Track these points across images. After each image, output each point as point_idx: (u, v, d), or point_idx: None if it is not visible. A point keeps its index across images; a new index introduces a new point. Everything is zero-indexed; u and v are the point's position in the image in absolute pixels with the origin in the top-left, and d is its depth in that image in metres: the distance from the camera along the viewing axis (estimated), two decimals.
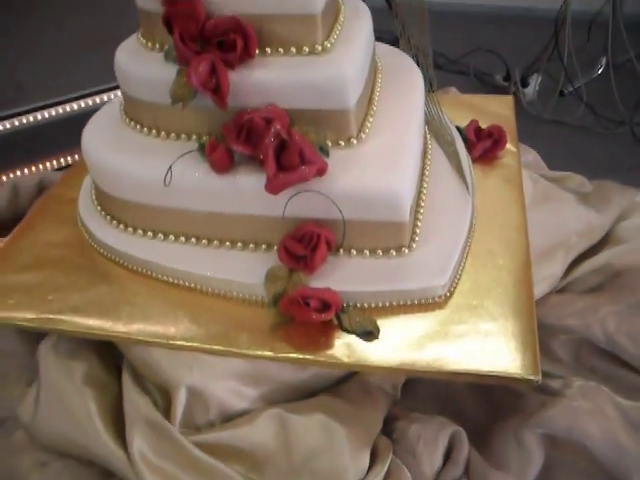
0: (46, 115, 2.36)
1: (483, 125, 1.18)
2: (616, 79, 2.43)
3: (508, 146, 1.16)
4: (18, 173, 2.33)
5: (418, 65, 1.12)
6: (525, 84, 2.58)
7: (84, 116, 2.37)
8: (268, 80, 0.89)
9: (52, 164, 2.36)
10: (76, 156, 2.37)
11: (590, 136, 2.44)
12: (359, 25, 0.99)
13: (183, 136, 0.96)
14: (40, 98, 2.37)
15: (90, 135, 1.02)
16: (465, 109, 1.29)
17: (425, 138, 1.08)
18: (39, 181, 1.33)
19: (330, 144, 0.92)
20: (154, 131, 0.98)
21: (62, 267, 1.00)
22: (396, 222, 0.90)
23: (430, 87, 1.13)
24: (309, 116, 0.90)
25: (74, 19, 2.85)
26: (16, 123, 2.35)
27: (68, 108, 2.38)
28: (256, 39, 0.89)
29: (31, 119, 2.36)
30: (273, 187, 0.86)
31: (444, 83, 2.52)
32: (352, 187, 0.88)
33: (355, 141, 0.92)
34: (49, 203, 1.14)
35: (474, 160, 1.13)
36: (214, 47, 0.89)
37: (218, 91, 0.87)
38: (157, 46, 0.96)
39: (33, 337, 1.02)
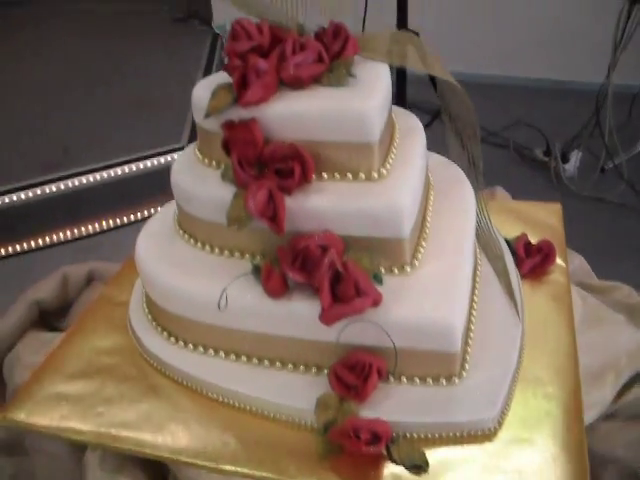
0: (91, 179, 2.40)
1: (530, 235, 1.18)
2: None
3: (557, 260, 1.16)
4: (61, 235, 2.37)
5: (467, 161, 1.12)
6: (565, 160, 2.57)
7: (128, 181, 2.43)
8: (324, 207, 0.90)
9: (94, 227, 2.40)
10: (117, 220, 2.41)
11: (631, 215, 2.42)
12: (414, 145, 1.00)
13: (237, 254, 0.97)
14: (85, 161, 2.43)
15: (143, 245, 1.03)
16: (512, 217, 1.29)
17: (475, 253, 1.08)
18: (89, 271, 1.35)
19: (383, 270, 0.92)
20: (208, 247, 0.99)
21: (112, 376, 1.01)
22: (447, 352, 0.90)
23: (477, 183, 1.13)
24: (363, 243, 0.91)
25: (122, 84, 2.94)
26: (62, 187, 2.39)
27: (112, 173, 2.42)
28: (313, 166, 0.90)
29: (76, 183, 2.40)
30: (328, 318, 0.86)
31: (484, 157, 2.54)
32: (405, 317, 0.88)
33: (409, 268, 0.93)
34: (100, 305, 1.15)
35: (522, 276, 1.13)
36: (272, 172, 0.90)
37: (275, 219, 0.89)
38: (214, 163, 0.98)
39: None
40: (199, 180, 0.97)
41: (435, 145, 1.15)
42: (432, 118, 2.44)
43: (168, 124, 2.60)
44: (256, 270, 0.93)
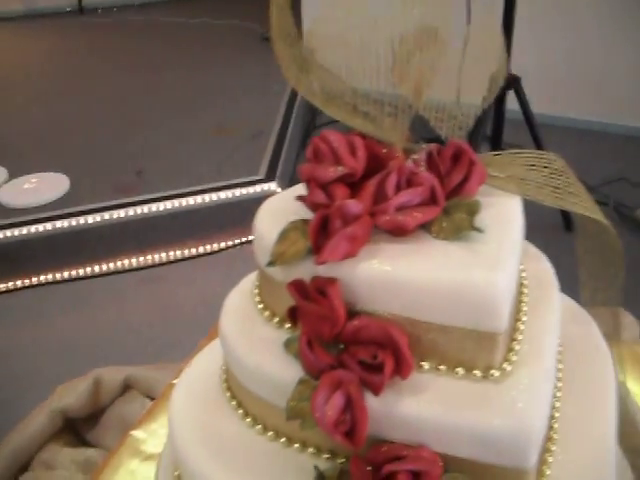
0: (161, 207, 2.21)
1: None
2: None
3: None
4: (126, 262, 2.19)
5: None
6: None
7: (198, 211, 2.23)
8: (421, 417, 0.65)
9: (160, 257, 2.21)
10: (185, 251, 2.21)
11: None
12: (548, 316, 0.74)
13: (296, 445, 0.72)
14: (159, 187, 2.25)
15: (179, 413, 0.80)
16: None
17: None
18: (125, 378, 1.13)
19: None
20: (259, 426, 0.75)
21: None
22: None
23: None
24: (471, 467, 0.65)
25: (204, 103, 2.75)
26: (131, 212, 2.21)
27: (184, 202, 2.23)
28: (412, 362, 0.64)
29: (145, 210, 2.22)
30: None
31: None
32: None
33: None
34: (124, 453, 0.92)
35: None
36: (353, 358, 0.65)
37: (352, 435, 0.63)
38: (276, 319, 0.73)
39: None
40: (255, 343, 0.73)
41: None
42: None
43: (246, 153, 2.39)
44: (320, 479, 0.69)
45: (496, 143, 2.15)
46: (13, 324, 1.93)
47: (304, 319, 0.66)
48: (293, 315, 0.68)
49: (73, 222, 2.07)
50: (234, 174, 2.27)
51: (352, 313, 0.66)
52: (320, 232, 0.66)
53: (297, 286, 0.67)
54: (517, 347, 0.68)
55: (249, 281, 0.81)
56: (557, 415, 0.74)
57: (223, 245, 2.22)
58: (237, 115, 2.72)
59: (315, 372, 0.66)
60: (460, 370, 0.66)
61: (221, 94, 2.92)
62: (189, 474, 0.75)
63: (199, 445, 0.75)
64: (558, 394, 0.77)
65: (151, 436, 0.93)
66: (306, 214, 0.69)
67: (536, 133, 2.07)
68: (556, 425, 0.74)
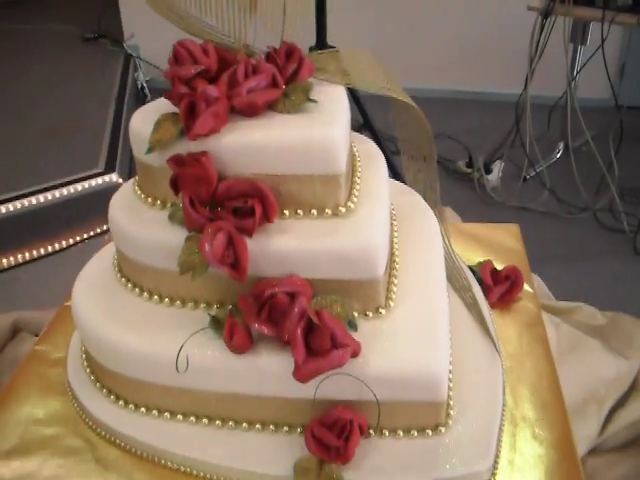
0: (3, 210, 2.23)
1: (493, 260, 1.12)
2: (575, 162, 2.43)
3: (524, 286, 1.10)
4: None
5: (424, 184, 1.06)
6: (488, 171, 2.57)
7: (43, 210, 2.26)
8: (288, 249, 0.81)
9: (9, 260, 2.23)
10: (34, 252, 2.24)
11: (555, 221, 2.43)
12: (377, 174, 0.93)
13: (190, 304, 0.87)
14: None
15: (81, 298, 0.91)
16: (471, 242, 1.23)
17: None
18: (14, 322, 1.20)
19: (356, 314, 0.84)
20: (156, 297, 0.88)
21: (53, 451, 0.88)
22: (434, 401, 0.82)
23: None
24: (333, 285, 0.82)
25: (31, 107, 2.75)
26: None
27: (26, 202, 2.27)
28: (277, 204, 0.80)
29: None
30: (303, 375, 0.77)
31: None
32: (386, 368, 0.80)
33: (383, 311, 0.84)
34: (32, 364, 1.02)
35: (491, 305, 1.06)
36: (228, 212, 0.80)
37: (237, 266, 0.79)
38: (158, 202, 0.87)
39: None
40: (143, 221, 0.86)
41: None
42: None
43: (83, 149, 2.45)
44: (215, 323, 0.83)
45: None
46: None
47: (184, 184, 0.81)
48: (175, 184, 0.82)
49: None
50: (74, 171, 2.34)
51: (222, 179, 0.81)
52: (189, 115, 0.81)
53: (176, 159, 0.81)
54: (356, 192, 0.86)
55: (128, 184, 0.94)
56: (397, 256, 0.93)
57: (71, 241, 2.28)
58: (69, 114, 2.77)
59: (198, 227, 0.80)
60: (314, 212, 0.83)
61: (49, 96, 2.95)
62: (102, 348, 0.87)
63: (105, 320, 0.87)
64: (395, 241, 0.96)
65: (55, 347, 1.03)
66: (173, 110, 0.84)
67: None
68: (397, 267, 0.92)
